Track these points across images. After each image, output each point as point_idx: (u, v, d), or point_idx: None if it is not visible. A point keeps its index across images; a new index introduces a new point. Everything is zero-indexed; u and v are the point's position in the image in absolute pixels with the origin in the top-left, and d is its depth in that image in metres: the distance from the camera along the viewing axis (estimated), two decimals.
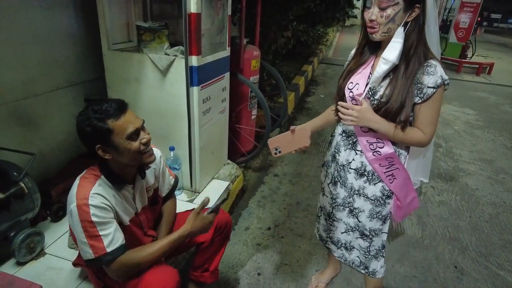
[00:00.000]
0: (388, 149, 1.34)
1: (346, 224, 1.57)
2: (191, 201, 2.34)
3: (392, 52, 1.18)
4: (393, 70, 1.24)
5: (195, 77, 2.03)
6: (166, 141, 2.27)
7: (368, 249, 1.54)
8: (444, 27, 8.61)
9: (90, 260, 1.24)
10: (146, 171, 1.48)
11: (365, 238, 1.52)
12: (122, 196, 1.35)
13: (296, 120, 4.67)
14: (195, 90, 2.08)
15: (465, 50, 8.59)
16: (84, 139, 1.23)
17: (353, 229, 1.54)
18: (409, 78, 1.21)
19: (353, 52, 1.44)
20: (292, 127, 1.43)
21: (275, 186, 3.13)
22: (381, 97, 1.26)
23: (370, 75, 1.32)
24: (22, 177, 1.69)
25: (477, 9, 8.10)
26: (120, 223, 1.35)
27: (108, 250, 1.23)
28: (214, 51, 2.26)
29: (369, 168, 1.41)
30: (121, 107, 1.23)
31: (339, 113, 1.34)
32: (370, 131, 1.34)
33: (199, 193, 2.43)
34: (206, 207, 1.43)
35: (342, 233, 1.60)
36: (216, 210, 1.44)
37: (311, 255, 2.31)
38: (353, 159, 1.45)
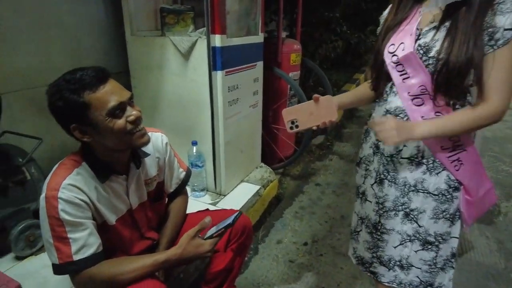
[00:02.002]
0: None
1: (401, 234, 1.16)
2: (214, 204, 2.06)
3: None
4: (450, 16, 0.93)
5: (219, 60, 1.79)
6: (189, 136, 2.05)
7: (434, 261, 1.12)
8: None
9: (54, 266, 1.00)
10: (146, 160, 1.21)
11: (429, 247, 1.11)
12: (108, 189, 1.09)
13: (345, 129, 4.23)
14: (218, 75, 1.83)
15: None
16: (57, 117, 0.99)
17: (412, 238, 1.13)
18: (474, 22, 0.89)
19: (387, 10, 1.13)
20: (315, 95, 1.10)
21: (316, 196, 2.73)
22: (439, 53, 0.93)
23: (417, 30, 1.01)
24: (24, 162, 1.55)
25: None
26: (104, 223, 1.10)
27: (75, 258, 0.98)
28: (243, 34, 2.01)
29: (428, 153, 1.03)
30: (101, 75, 0.98)
31: (376, 134, 1.02)
32: (425, 104, 1.00)
33: (225, 196, 2.14)
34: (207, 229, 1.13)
35: (395, 247, 1.18)
36: (219, 235, 1.12)
37: (355, 279, 1.88)
38: (405, 145, 1.08)
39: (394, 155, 1.11)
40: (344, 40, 4.47)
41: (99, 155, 1.07)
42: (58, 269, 1.00)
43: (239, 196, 2.13)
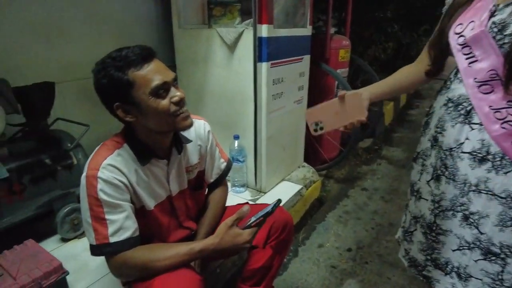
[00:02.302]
0: None
1: (459, 238, 1.00)
2: (254, 201, 1.99)
3: None
4: None
5: (264, 51, 1.74)
6: (231, 130, 2.01)
7: (499, 276, 0.95)
8: None
9: (91, 246, 0.99)
10: (188, 146, 1.18)
11: (493, 259, 0.94)
12: (149, 174, 1.07)
13: (395, 133, 3.98)
14: (263, 66, 1.77)
15: None
16: (101, 96, 0.98)
17: (472, 246, 0.97)
18: None
19: None
20: (341, 92, 0.99)
21: (362, 201, 2.56)
22: None
23: (493, 7, 0.86)
24: (72, 147, 1.59)
25: None
26: (142, 208, 1.07)
27: (111, 240, 0.96)
28: (291, 26, 1.94)
29: (494, 148, 0.88)
30: (146, 54, 0.95)
31: None
32: (494, 91, 0.86)
33: (265, 193, 2.06)
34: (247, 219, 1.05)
35: (453, 250, 1.03)
36: (257, 225, 1.04)
37: None
38: (467, 138, 0.93)
39: (453, 149, 0.96)
40: (395, 41, 4.23)
41: (141, 137, 1.04)
42: (94, 250, 0.98)
43: (279, 195, 2.05)
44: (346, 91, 1.02)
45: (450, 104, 0.98)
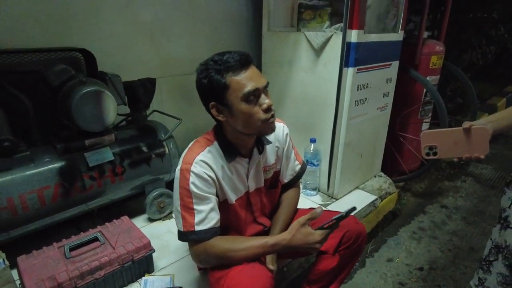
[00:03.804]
0: None
1: None
2: (324, 205, 1.99)
3: None
4: None
5: (352, 56, 1.71)
6: (308, 132, 2.02)
7: None
8: None
9: (179, 232, 1.11)
10: (267, 147, 1.25)
11: None
12: (233, 170, 1.16)
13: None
14: (349, 71, 1.75)
15: None
16: (200, 94, 1.09)
17: None
18: None
19: None
20: (466, 123, 0.94)
21: (440, 219, 2.39)
22: None
23: None
24: (166, 138, 1.76)
25: None
26: (225, 201, 1.17)
27: (196, 228, 1.06)
28: (381, 31, 1.87)
29: None
30: (244, 60, 1.03)
31: None
32: None
33: (336, 199, 2.05)
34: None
35: None
36: (329, 227, 1.05)
37: None
38: None
39: None
40: (498, 45, 3.77)
41: (229, 137, 1.14)
42: (181, 236, 1.11)
43: (352, 203, 1.96)
44: (473, 123, 0.98)
45: None
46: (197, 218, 1.07)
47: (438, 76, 2.53)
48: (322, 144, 1.97)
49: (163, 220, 1.81)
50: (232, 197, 1.18)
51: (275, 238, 1.08)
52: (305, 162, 1.94)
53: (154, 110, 1.93)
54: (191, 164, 1.07)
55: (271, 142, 1.26)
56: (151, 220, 1.81)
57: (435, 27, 2.72)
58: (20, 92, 1.40)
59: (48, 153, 1.46)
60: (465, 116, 3.62)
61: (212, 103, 1.06)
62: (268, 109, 1.05)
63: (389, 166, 2.55)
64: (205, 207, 1.08)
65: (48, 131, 1.53)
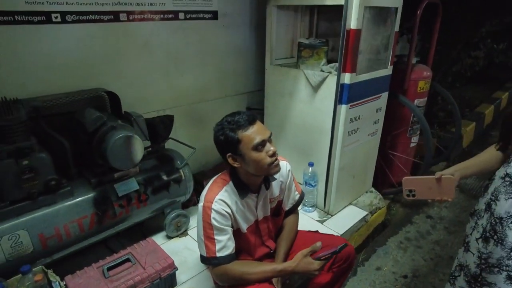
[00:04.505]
0: None
1: None
2: (321, 221, 2.25)
3: None
4: None
5: (345, 95, 1.95)
6: (307, 156, 2.27)
7: None
8: None
9: (202, 257, 1.37)
10: (272, 183, 1.50)
11: None
12: (244, 204, 1.42)
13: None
14: (343, 108, 1.99)
15: None
16: (218, 147, 1.35)
17: None
18: None
19: None
20: (438, 174, 1.18)
21: (425, 229, 2.66)
22: None
23: None
24: (182, 166, 2.01)
25: None
26: (238, 230, 1.43)
27: (218, 255, 1.32)
28: (372, 69, 2.10)
29: None
30: (251, 119, 1.30)
31: None
32: None
33: (332, 215, 2.31)
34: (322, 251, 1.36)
35: None
36: (325, 259, 1.35)
37: None
38: None
39: (504, 219, 1.12)
40: (486, 58, 4.01)
41: (242, 177, 1.40)
42: (204, 260, 1.37)
43: (345, 219, 2.28)
44: (443, 173, 1.23)
45: (507, 179, 1.13)
46: (218, 246, 1.33)
47: (426, 99, 2.76)
48: (319, 167, 2.22)
49: (179, 237, 2.07)
50: (244, 226, 1.45)
51: (283, 266, 1.37)
52: (304, 184, 2.20)
53: (170, 137, 2.17)
54: (212, 202, 1.33)
55: (276, 179, 1.51)
56: (169, 237, 2.07)
57: (424, 53, 2.94)
58: (58, 133, 1.63)
59: (84, 186, 1.70)
60: (452, 125, 3.86)
61: (228, 154, 1.32)
62: (273, 155, 1.31)
63: (381, 180, 2.81)
64: (224, 237, 1.34)
65: (81, 164, 1.77)
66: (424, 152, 2.90)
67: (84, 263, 1.60)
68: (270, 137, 1.33)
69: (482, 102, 4.89)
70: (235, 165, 1.34)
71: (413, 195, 1.25)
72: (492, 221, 1.17)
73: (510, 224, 1.11)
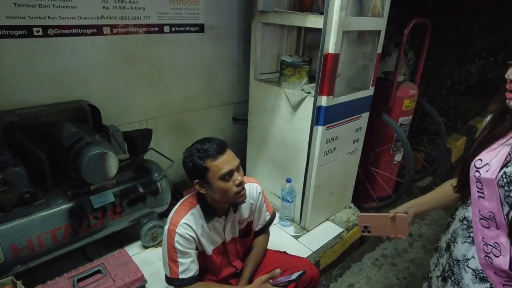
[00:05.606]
0: (502, 262, 0.99)
1: None
2: (296, 237, 2.29)
3: None
4: None
5: (322, 117, 1.97)
6: (285, 172, 2.30)
7: None
8: None
9: (166, 276, 1.42)
10: (242, 205, 1.53)
11: None
12: (211, 227, 1.45)
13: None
14: (319, 129, 2.01)
15: None
16: (186, 172, 1.38)
17: None
18: None
19: (488, 118, 1.14)
20: (392, 212, 1.22)
21: (402, 247, 2.69)
22: None
23: (509, 156, 1.00)
24: (159, 178, 2.05)
25: None
26: (203, 252, 1.47)
27: (180, 277, 1.36)
28: (352, 90, 2.12)
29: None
30: (220, 148, 1.32)
31: None
32: (490, 229, 1.03)
33: (308, 231, 2.35)
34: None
35: None
36: (283, 286, 1.38)
37: None
38: (473, 257, 1.12)
39: (461, 261, 1.15)
40: (479, 73, 3.99)
41: (209, 202, 1.43)
42: (168, 280, 1.42)
43: (320, 235, 2.31)
44: (397, 210, 1.25)
45: (465, 222, 1.16)
46: (181, 268, 1.37)
47: (411, 117, 2.77)
48: (296, 183, 2.26)
49: (155, 247, 2.12)
50: (209, 249, 1.48)
51: None
52: (281, 199, 2.24)
53: (151, 148, 2.21)
54: (176, 226, 1.37)
55: (245, 202, 1.55)
56: (145, 247, 2.12)
57: (413, 72, 2.95)
58: (36, 145, 1.67)
59: (60, 198, 1.75)
60: (439, 140, 3.87)
61: (196, 180, 1.35)
62: (239, 184, 1.34)
63: (362, 195, 2.84)
64: (186, 260, 1.38)
65: (58, 175, 1.81)
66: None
67: (61, 270, 1.66)
68: (238, 166, 1.36)
69: (476, 114, 4.87)
70: (201, 191, 1.37)
71: (368, 232, 1.28)
72: (451, 262, 1.20)
73: (466, 268, 1.14)
